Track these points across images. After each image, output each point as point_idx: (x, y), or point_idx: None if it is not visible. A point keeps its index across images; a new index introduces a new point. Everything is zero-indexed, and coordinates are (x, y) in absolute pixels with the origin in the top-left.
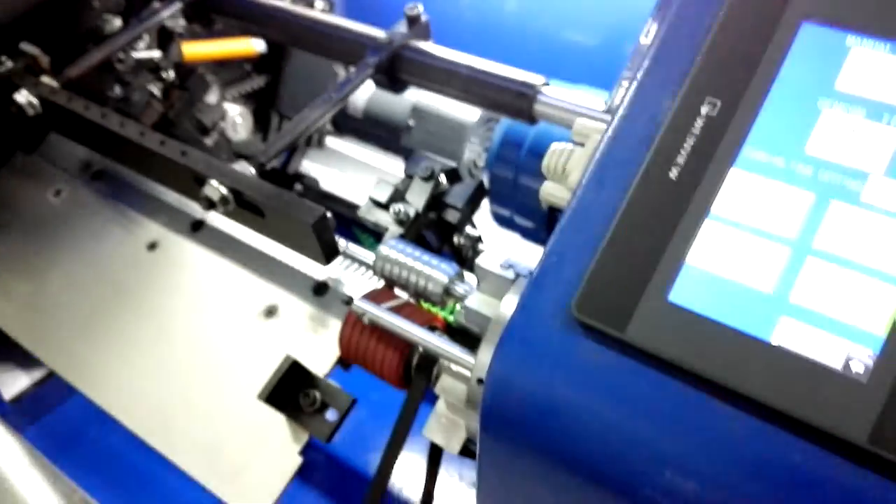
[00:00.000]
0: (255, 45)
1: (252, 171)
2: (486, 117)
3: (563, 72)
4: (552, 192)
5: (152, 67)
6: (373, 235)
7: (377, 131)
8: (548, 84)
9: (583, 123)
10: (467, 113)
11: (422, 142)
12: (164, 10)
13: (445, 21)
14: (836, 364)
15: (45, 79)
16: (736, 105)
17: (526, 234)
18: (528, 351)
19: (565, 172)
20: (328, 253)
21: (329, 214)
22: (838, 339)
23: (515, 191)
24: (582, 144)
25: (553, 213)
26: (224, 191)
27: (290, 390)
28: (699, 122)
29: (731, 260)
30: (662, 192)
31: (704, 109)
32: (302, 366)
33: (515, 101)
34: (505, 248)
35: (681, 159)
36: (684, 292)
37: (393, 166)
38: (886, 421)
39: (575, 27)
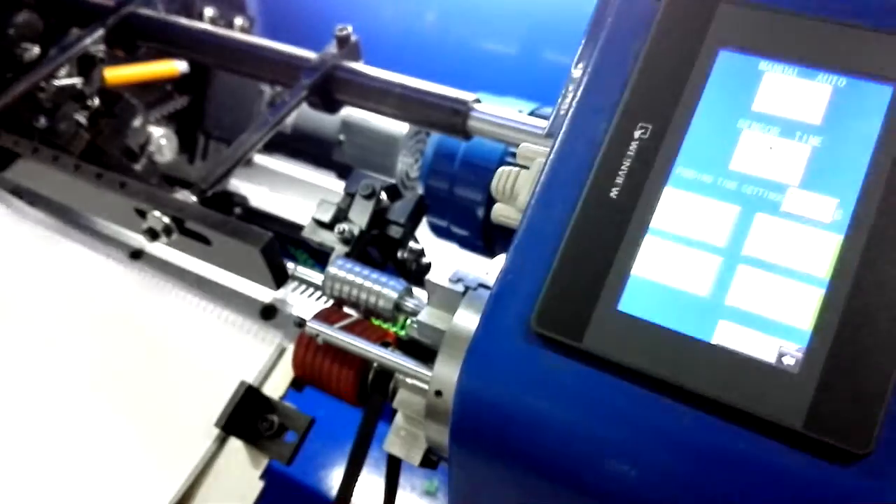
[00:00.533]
0: (177, 66)
1: (193, 199)
2: (415, 129)
3: (484, 80)
4: (503, 213)
5: (76, 95)
6: (306, 251)
7: (307, 147)
8: (479, 101)
9: (527, 147)
10: (397, 125)
11: (353, 156)
12: (87, 37)
13: (367, 36)
14: (770, 358)
15: None
16: (665, 128)
17: (462, 243)
18: (493, 366)
19: (513, 194)
20: (278, 277)
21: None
22: (770, 337)
23: (451, 202)
24: (526, 167)
25: (488, 223)
26: (167, 220)
27: (247, 416)
28: (633, 146)
29: (671, 270)
30: (605, 211)
31: (637, 133)
32: (258, 390)
33: (450, 119)
34: (446, 259)
35: (619, 180)
36: (633, 301)
37: (322, 181)
38: (818, 407)
39: (493, 38)
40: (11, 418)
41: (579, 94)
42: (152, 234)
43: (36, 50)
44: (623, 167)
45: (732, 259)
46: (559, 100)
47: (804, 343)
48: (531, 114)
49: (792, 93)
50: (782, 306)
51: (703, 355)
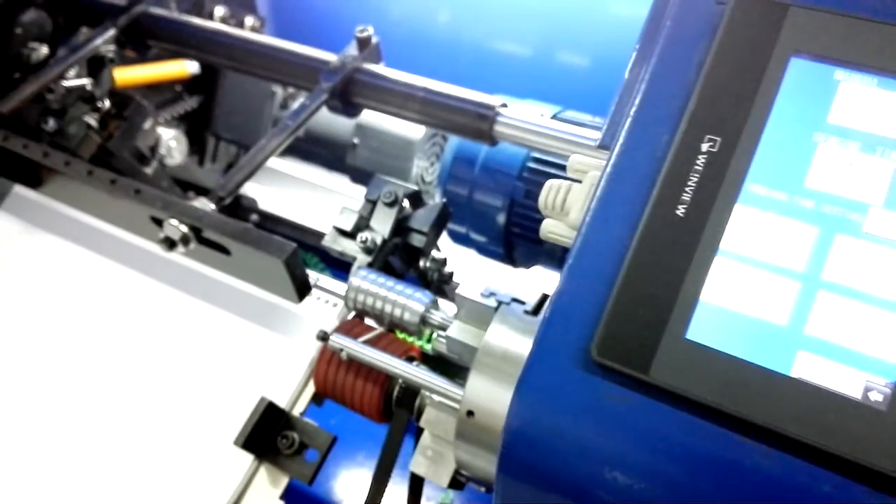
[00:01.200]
0: (188, 67)
1: (211, 206)
2: (431, 132)
3: (499, 82)
4: (554, 230)
5: (86, 97)
6: (317, 255)
7: (320, 150)
8: (506, 105)
9: (578, 159)
10: (412, 128)
11: (368, 160)
12: (98, 37)
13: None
14: (856, 394)
15: None
16: (735, 142)
17: (481, 249)
18: (549, 396)
19: (564, 209)
20: (300, 289)
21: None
22: (855, 370)
23: (470, 208)
24: (578, 180)
25: (508, 230)
26: (185, 229)
27: (268, 433)
28: (701, 160)
29: (744, 295)
30: (671, 230)
31: (705, 146)
32: (278, 407)
33: (475, 123)
34: (464, 264)
35: (686, 197)
36: (702, 330)
37: (334, 184)
38: None
39: (507, 39)
40: (30, 435)
41: (637, 103)
42: (169, 244)
43: (44, 50)
44: (690, 183)
45: (811, 284)
46: (612, 108)
47: (893, 377)
48: (553, 117)
49: (871, 104)
50: (868, 337)
51: (781, 390)
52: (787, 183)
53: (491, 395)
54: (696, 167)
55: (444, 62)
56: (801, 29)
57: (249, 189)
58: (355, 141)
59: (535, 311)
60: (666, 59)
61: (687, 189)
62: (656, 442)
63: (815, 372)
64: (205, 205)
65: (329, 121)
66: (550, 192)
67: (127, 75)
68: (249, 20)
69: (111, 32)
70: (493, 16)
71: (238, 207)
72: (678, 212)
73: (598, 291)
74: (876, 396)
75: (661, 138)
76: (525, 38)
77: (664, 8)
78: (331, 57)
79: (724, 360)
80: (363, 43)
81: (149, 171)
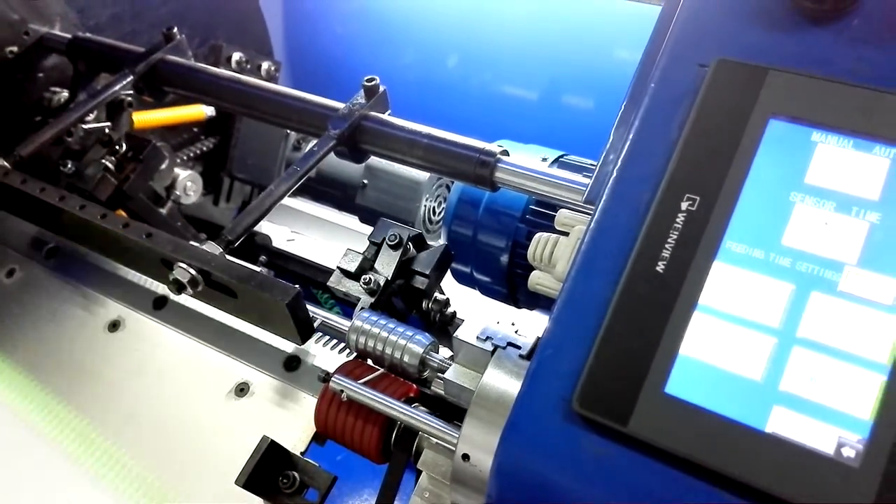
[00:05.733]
0: (204, 110)
1: (219, 250)
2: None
3: (506, 126)
4: (541, 282)
5: (104, 140)
6: (327, 292)
7: (330, 190)
8: (507, 152)
9: (565, 214)
10: (420, 171)
11: (376, 200)
12: (117, 84)
13: (389, 80)
14: (829, 450)
15: None
16: (714, 200)
17: (485, 289)
18: (533, 445)
19: (552, 262)
20: (303, 332)
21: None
22: (828, 426)
23: (474, 248)
24: (566, 233)
25: (511, 271)
26: (193, 272)
27: (269, 473)
28: (680, 218)
29: (721, 350)
30: (651, 285)
31: (684, 205)
32: (280, 446)
33: (477, 170)
34: (468, 303)
35: (666, 253)
36: (681, 383)
37: (345, 221)
38: None
39: (514, 83)
40: (32, 470)
41: (621, 160)
42: (178, 286)
43: (65, 94)
44: (670, 240)
45: (787, 341)
46: (598, 164)
47: (865, 434)
48: (556, 160)
49: (847, 166)
50: (841, 393)
51: (755, 444)
52: (764, 241)
53: (485, 438)
54: (676, 225)
55: (453, 106)
56: (780, 91)
57: (262, 226)
58: (364, 182)
59: (530, 355)
60: (649, 120)
61: (667, 246)
62: (634, 493)
63: (790, 427)
64: (214, 248)
65: (339, 162)
66: (539, 244)
67: (145, 119)
68: (266, 64)
69: (130, 79)
70: (501, 61)
71: (252, 245)
72: (658, 268)
73: (581, 343)
74: (848, 452)
75: (642, 196)
76: (532, 82)
77: (649, 70)
78: (339, 105)
79: (701, 414)
80: (370, 92)
81: (163, 211)
